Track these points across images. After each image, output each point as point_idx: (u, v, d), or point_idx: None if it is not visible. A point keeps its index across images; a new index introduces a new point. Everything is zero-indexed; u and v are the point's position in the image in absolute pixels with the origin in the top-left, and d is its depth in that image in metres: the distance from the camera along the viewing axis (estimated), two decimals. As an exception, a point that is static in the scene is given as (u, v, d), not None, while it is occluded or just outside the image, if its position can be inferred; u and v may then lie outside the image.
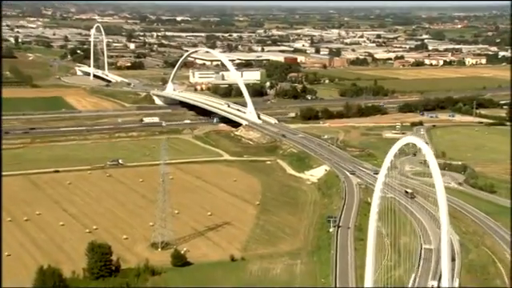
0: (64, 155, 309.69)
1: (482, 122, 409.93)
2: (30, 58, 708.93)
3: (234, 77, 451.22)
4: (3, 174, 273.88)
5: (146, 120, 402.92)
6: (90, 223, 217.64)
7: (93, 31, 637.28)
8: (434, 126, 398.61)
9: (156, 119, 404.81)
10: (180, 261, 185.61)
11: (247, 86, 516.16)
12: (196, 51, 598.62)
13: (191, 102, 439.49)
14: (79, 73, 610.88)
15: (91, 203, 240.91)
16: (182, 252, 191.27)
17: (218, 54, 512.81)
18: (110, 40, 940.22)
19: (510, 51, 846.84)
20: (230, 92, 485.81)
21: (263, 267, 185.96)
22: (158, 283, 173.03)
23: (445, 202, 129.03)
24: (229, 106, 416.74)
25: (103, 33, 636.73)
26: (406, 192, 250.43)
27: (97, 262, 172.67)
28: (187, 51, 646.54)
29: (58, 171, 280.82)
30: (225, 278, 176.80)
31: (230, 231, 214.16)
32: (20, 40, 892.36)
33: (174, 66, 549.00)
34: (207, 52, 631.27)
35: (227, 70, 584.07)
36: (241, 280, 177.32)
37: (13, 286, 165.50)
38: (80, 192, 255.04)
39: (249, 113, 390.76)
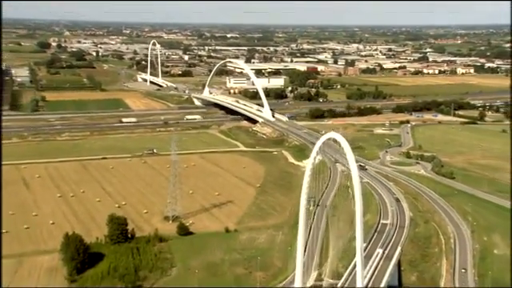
0: (112, 145, 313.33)
1: (466, 122, 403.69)
2: (105, 68, 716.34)
3: (255, 82, 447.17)
4: (63, 159, 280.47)
5: (188, 117, 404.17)
6: (120, 199, 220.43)
7: (150, 46, 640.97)
8: (412, 123, 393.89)
9: (198, 117, 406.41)
10: (184, 231, 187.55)
11: (273, 90, 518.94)
12: (225, 62, 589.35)
13: (220, 103, 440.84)
14: (139, 79, 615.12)
15: (125, 184, 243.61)
16: (188, 224, 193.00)
17: (242, 64, 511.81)
18: (170, 53, 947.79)
19: (495, 63, 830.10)
20: (256, 95, 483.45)
21: (250, 237, 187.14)
22: (163, 249, 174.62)
23: (358, 186, 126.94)
24: (238, 102, 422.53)
25: (158, 47, 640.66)
26: (360, 165, 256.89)
27: (115, 230, 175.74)
28: (230, 62, 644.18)
29: (105, 158, 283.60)
30: (217, 245, 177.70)
31: (231, 208, 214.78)
32: (100, 54, 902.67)
33: (217, 75, 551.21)
34: (230, 62, 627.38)
35: (258, 77, 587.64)
36: (230, 246, 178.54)
37: (49, 249, 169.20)
38: (118, 175, 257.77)
39: (265, 112, 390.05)
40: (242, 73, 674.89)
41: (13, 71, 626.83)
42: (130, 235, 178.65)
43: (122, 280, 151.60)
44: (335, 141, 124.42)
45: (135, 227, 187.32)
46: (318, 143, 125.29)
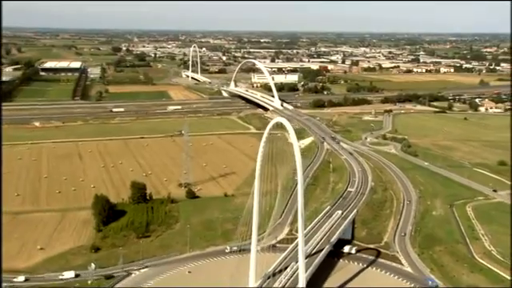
0: (151, 128, 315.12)
1: (437, 111, 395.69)
2: (159, 67, 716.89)
3: (268, 78, 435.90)
4: (111, 138, 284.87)
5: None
6: (148, 170, 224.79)
7: (191, 49, 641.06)
8: (394, 112, 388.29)
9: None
10: (191, 195, 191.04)
11: (288, 84, 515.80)
12: (246, 62, 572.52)
13: (241, 95, 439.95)
14: (184, 76, 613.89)
15: (154, 158, 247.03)
16: (196, 190, 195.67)
17: (259, 64, 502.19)
18: (212, 54, 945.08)
19: (472, 64, 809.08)
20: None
21: (243, 200, 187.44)
22: (173, 208, 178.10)
23: (300, 162, 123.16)
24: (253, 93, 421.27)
25: (197, 49, 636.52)
26: (333, 138, 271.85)
27: (136, 193, 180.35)
28: (259, 61, 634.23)
29: (143, 137, 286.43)
30: (215, 207, 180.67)
31: (233, 178, 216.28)
32: (157, 55, 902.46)
33: (245, 71, 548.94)
34: (249, 61, 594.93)
35: (277, 74, 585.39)
36: (225, 207, 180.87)
37: (87, 206, 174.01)
38: (151, 151, 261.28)
39: (275, 102, 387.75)
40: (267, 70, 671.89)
41: (89, 70, 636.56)
42: (148, 197, 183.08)
43: (135, 231, 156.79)
44: (282, 125, 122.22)
45: (155, 191, 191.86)
46: (269, 126, 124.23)
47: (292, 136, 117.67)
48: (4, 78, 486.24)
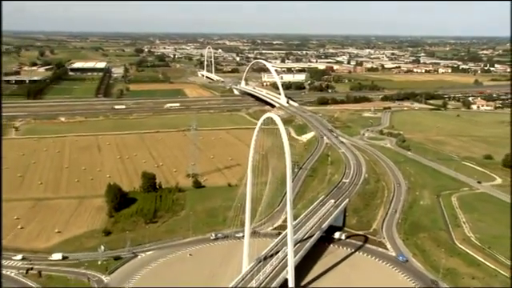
0: (165, 123, 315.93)
1: (432, 108, 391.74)
2: (177, 67, 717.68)
3: (275, 77, 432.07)
4: (128, 132, 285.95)
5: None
6: (160, 161, 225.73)
7: (206, 50, 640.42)
8: (389, 108, 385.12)
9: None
10: (197, 185, 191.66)
11: (295, 83, 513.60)
12: (253, 62, 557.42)
13: (251, 93, 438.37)
14: (199, 75, 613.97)
15: (166, 150, 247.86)
16: (202, 180, 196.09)
17: (267, 64, 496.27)
18: (227, 55, 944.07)
19: (468, 65, 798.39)
20: (281, 87, 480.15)
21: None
22: (180, 197, 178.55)
23: (289, 154, 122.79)
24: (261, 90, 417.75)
25: (212, 51, 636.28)
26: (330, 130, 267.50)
27: (146, 183, 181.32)
28: (270, 62, 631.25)
29: (158, 132, 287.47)
30: (219, 196, 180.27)
31: (237, 169, 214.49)
32: (176, 56, 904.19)
33: (257, 71, 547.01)
34: (258, 61, 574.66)
35: (286, 73, 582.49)
36: (228, 196, 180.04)
37: (101, 194, 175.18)
38: (164, 144, 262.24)
39: (281, 99, 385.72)
40: (276, 70, 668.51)
41: (113, 69, 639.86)
42: (158, 186, 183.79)
43: (144, 217, 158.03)
44: (272, 119, 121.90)
45: (165, 181, 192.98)
46: (260, 121, 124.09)
47: (281, 129, 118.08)
48: (36, 78, 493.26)
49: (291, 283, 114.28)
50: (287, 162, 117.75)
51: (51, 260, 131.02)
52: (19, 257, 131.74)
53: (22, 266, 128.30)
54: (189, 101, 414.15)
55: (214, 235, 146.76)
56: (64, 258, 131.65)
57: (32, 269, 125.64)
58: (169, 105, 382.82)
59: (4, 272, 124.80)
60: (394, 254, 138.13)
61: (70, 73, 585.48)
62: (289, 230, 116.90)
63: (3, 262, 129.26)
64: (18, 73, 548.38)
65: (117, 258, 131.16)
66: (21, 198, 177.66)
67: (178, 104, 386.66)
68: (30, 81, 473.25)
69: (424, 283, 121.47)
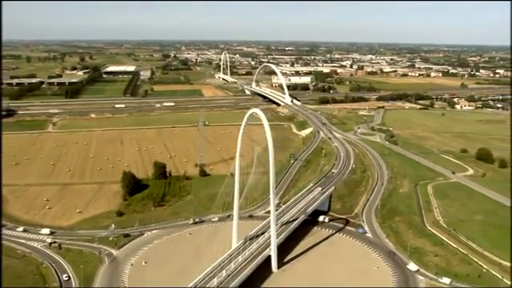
0: (182, 119, 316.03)
1: (421, 108, 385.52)
2: (198, 70, 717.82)
3: (281, 78, 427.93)
4: (148, 127, 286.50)
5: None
6: (173, 153, 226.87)
7: (223, 55, 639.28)
8: (382, 107, 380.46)
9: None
10: (203, 173, 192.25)
11: (301, 84, 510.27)
12: (263, 66, 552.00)
13: (260, 93, 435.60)
14: (216, 77, 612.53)
15: (180, 143, 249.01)
16: (208, 169, 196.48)
17: (274, 67, 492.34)
18: (243, 60, 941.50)
19: (457, 70, 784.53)
20: (289, 88, 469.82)
21: (245, 178, 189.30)
22: (187, 184, 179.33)
23: (271, 147, 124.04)
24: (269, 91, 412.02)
25: (227, 55, 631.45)
26: (323, 123, 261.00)
27: (157, 171, 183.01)
28: (280, 66, 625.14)
29: (174, 127, 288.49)
30: (221, 183, 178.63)
31: (241, 160, 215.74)
32: (198, 61, 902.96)
33: (268, 74, 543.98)
34: (267, 65, 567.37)
35: (294, 76, 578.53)
36: (229, 184, 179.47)
37: (119, 180, 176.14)
38: (178, 137, 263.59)
39: (286, 98, 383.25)
40: (284, 73, 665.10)
41: (141, 72, 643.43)
42: (168, 174, 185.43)
43: (153, 201, 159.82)
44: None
45: (175, 170, 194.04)
46: (246, 116, 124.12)
47: (265, 123, 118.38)
48: (74, 80, 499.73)
49: (274, 259, 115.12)
50: (270, 153, 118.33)
51: (40, 233, 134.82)
52: (47, 230, 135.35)
53: (46, 240, 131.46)
54: (204, 100, 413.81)
55: (191, 220, 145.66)
56: (51, 232, 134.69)
57: (55, 242, 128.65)
58: (158, 105, 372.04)
59: (31, 244, 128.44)
60: (369, 235, 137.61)
61: (104, 75, 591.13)
62: (272, 213, 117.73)
63: (32, 235, 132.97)
64: (60, 76, 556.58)
65: (126, 235, 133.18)
66: (51, 182, 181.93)
67: (173, 103, 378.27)
68: (69, 83, 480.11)
69: (385, 253, 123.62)
